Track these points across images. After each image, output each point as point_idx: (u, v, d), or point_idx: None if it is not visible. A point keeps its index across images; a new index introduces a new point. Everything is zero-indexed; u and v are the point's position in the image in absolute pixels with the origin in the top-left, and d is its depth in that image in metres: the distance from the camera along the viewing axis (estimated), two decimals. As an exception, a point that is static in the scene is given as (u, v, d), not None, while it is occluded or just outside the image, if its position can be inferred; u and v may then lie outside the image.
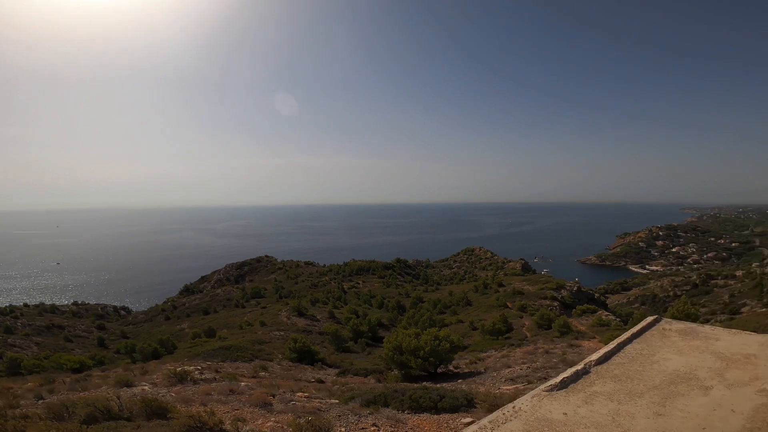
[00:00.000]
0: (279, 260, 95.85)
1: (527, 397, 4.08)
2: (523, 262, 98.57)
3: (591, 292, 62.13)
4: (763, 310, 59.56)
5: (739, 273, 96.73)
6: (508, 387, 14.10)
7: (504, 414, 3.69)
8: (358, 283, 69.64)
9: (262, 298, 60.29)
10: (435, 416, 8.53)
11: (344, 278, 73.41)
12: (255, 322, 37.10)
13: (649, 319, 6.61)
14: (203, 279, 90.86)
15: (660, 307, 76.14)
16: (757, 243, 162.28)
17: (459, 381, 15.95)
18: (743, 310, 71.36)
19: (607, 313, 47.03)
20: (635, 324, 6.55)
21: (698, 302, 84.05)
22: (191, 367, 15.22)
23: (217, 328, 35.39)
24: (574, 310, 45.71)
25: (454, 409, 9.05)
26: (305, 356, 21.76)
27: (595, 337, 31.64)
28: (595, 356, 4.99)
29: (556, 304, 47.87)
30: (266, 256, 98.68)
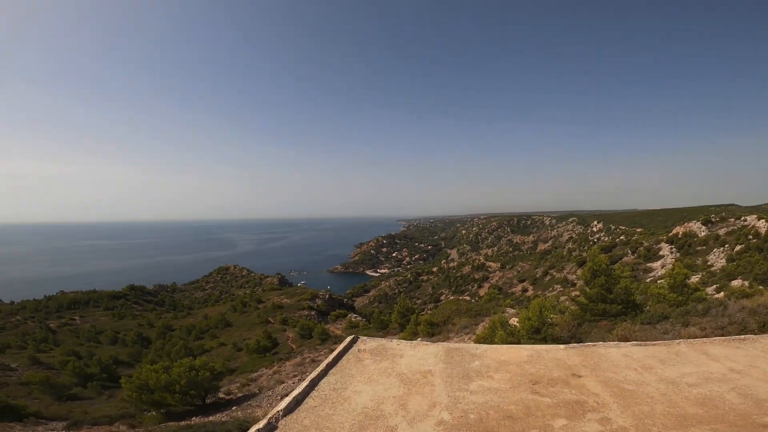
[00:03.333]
0: None
1: None
2: (280, 276, 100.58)
3: (341, 297, 69.75)
4: (452, 297, 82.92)
5: (435, 269, 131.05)
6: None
7: None
8: (74, 319, 53.30)
9: None
10: (209, 455, 7.81)
11: (49, 315, 54.62)
12: None
13: (347, 340, 6.52)
14: None
15: (391, 301, 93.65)
16: (443, 245, 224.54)
17: (234, 408, 14.88)
18: (441, 298, 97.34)
19: (355, 315, 53.87)
20: (346, 342, 6.61)
21: (414, 296, 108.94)
22: None
23: None
24: (329, 316, 50.21)
25: (229, 444, 8.41)
26: (3, 413, 15.25)
27: (349, 339, 35.81)
28: (283, 404, 4.33)
29: (313, 313, 51.17)
30: None
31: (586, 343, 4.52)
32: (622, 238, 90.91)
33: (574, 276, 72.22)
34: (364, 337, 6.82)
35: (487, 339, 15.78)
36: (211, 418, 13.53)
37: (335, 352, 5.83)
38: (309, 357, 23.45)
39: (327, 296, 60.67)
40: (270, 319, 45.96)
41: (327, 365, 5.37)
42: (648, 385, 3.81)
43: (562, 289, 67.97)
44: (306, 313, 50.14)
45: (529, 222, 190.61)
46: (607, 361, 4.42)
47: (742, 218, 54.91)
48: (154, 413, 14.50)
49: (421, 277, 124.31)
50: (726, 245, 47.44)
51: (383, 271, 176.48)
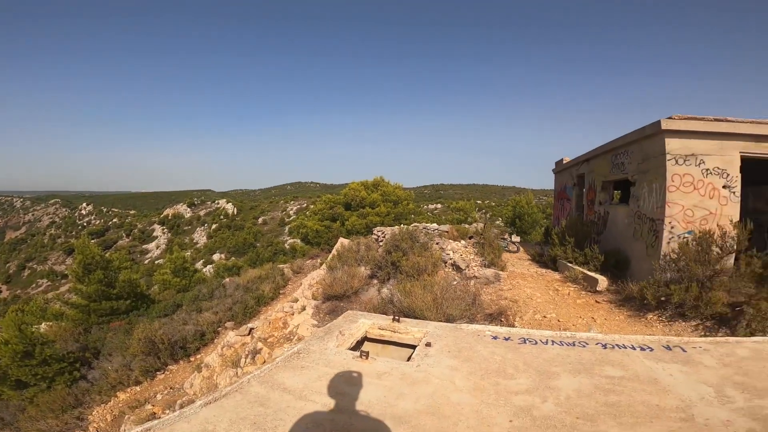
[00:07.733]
0: None
1: None
2: None
3: None
4: None
5: None
6: None
7: None
8: None
9: None
10: None
11: None
12: None
13: None
14: None
15: None
16: None
17: None
18: None
19: None
20: None
21: None
22: None
23: None
24: None
25: None
26: None
27: None
28: None
29: None
30: None
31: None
32: (115, 220, 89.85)
33: (63, 267, 64.23)
34: None
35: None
36: None
37: None
38: None
39: None
40: None
41: None
42: None
43: (51, 283, 58.88)
44: None
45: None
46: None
47: (216, 201, 71.44)
48: None
49: None
50: (206, 224, 60.28)
51: None
